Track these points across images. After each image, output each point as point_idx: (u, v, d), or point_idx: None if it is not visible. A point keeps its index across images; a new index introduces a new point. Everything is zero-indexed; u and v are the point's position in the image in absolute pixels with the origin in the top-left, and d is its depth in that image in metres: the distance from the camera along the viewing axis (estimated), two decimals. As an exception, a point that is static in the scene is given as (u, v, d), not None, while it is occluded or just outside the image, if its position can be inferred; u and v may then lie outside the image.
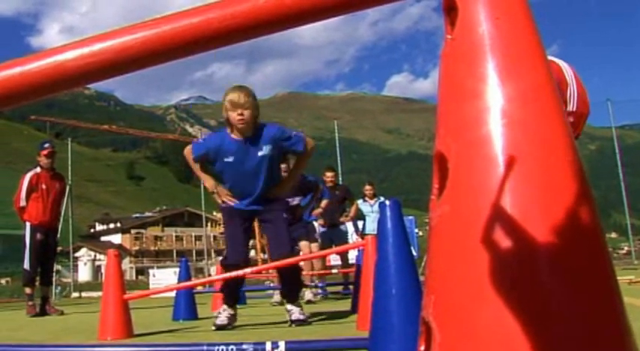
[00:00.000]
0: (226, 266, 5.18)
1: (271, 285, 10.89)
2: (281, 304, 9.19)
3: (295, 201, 8.91)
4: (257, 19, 0.78)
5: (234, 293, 5.43)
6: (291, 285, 5.39)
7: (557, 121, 0.79)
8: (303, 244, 9.29)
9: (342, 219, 11.37)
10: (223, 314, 5.09)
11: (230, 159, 5.05)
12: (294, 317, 5.07)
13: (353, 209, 11.73)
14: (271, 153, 5.08)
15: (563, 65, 4.85)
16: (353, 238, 12.13)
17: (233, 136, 5.07)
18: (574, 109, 4.68)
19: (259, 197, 5.17)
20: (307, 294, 9.19)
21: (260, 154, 5.04)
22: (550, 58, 5.01)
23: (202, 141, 5.57)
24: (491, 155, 0.77)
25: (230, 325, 5.04)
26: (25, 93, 0.82)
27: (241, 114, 4.91)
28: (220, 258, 6.27)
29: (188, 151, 5.34)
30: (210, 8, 0.80)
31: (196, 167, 5.35)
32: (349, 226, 12.17)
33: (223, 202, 5.24)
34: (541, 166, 0.76)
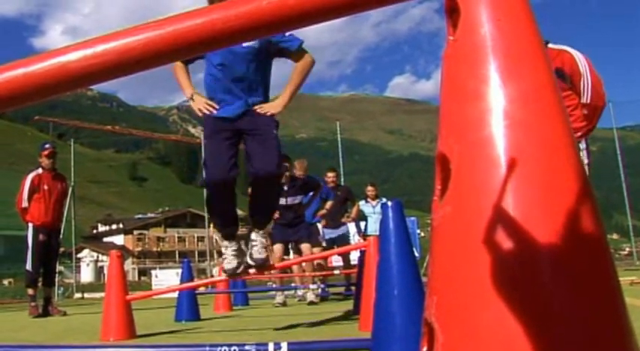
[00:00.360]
0: (208, 186, 4.50)
1: (273, 286, 10.88)
2: (284, 304, 9.12)
3: (297, 200, 8.89)
4: (260, 20, 0.78)
5: (228, 218, 4.66)
6: (265, 214, 4.78)
7: (559, 121, 0.79)
8: (305, 247, 9.12)
9: (343, 220, 11.36)
10: (228, 253, 4.56)
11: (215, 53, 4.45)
12: (255, 255, 4.60)
13: (354, 210, 11.73)
14: (259, 46, 4.46)
15: (577, 55, 4.73)
16: (355, 239, 12.12)
17: None
18: (588, 101, 4.59)
19: (247, 108, 4.50)
20: (309, 295, 9.16)
21: (245, 45, 4.39)
22: (563, 47, 4.85)
23: None
24: (493, 156, 0.77)
25: (241, 265, 4.57)
26: (28, 94, 0.82)
27: None
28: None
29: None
30: (213, 9, 0.80)
31: (180, 71, 4.66)
32: (351, 227, 12.15)
33: (200, 111, 4.52)
34: (543, 167, 0.76)
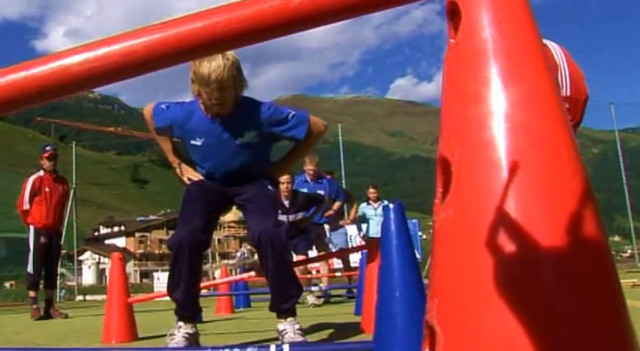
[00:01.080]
0: (171, 248, 3.65)
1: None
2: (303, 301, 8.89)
3: (299, 216, 8.57)
4: (262, 23, 0.78)
5: (188, 296, 3.73)
6: (282, 291, 3.76)
7: (560, 124, 0.80)
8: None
9: (341, 222, 11.31)
10: (178, 335, 3.67)
11: (198, 142, 3.82)
12: (288, 339, 3.62)
13: (353, 212, 11.68)
14: (256, 141, 3.82)
15: (553, 46, 4.44)
16: (356, 241, 12.12)
17: (204, 111, 3.78)
18: (568, 93, 4.30)
19: (239, 178, 3.89)
20: (310, 298, 8.85)
21: (239, 141, 3.77)
22: None
23: (166, 108, 3.96)
24: (494, 159, 0.77)
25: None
26: (30, 97, 0.82)
27: (218, 97, 3.62)
28: (225, 262, 6.11)
29: (148, 113, 4.04)
30: (215, 12, 0.80)
31: (155, 135, 4.09)
32: (352, 229, 12.14)
33: (189, 179, 3.98)
34: (544, 169, 0.76)
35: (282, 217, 8.19)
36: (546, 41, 4.35)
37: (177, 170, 4.08)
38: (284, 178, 8.05)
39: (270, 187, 3.95)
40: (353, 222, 11.95)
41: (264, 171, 4.00)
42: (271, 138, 3.92)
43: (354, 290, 9.59)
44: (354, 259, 11.31)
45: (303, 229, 8.82)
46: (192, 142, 3.83)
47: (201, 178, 3.95)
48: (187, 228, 3.67)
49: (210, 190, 3.90)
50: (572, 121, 4.41)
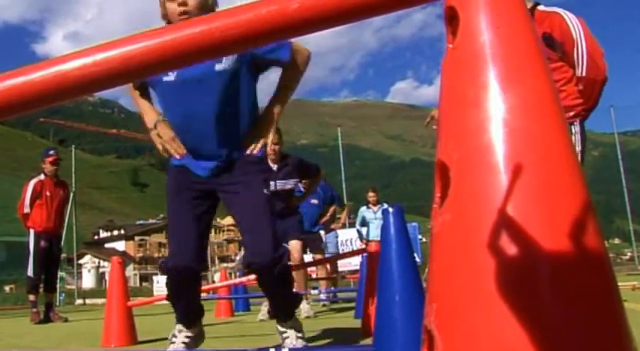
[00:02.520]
0: (168, 272, 3.35)
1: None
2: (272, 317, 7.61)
3: (289, 185, 6.92)
4: (259, 28, 0.79)
5: (190, 312, 3.59)
6: (280, 299, 3.55)
7: (558, 129, 0.80)
8: (294, 244, 7.31)
9: (332, 226, 11.19)
10: (178, 340, 3.55)
11: (170, 77, 3.21)
12: (288, 343, 3.52)
13: (344, 215, 11.59)
14: (236, 68, 3.23)
15: (569, 18, 3.98)
16: (356, 244, 12.13)
17: None
18: (583, 73, 3.88)
19: (226, 163, 3.29)
20: (304, 305, 7.40)
21: (218, 68, 3.20)
22: (554, 9, 3.82)
23: None
24: (492, 163, 0.77)
25: None
26: (29, 102, 0.82)
27: (183, 3, 3.08)
28: (224, 265, 5.65)
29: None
30: (212, 18, 0.80)
31: (136, 94, 3.49)
32: (345, 233, 12.13)
33: (165, 149, 3.26)
34: (542, 174, 0.76)
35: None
36: (563, 12, 4.03)
37: (154, 133, 3.28)
38: (272, 139, 6.67)
39: (265, 191, 3.31)
40: (343, 226, 11.89)
41: (253, 120, 3.36)
42: (253, 65, 3.33)
43: (338, 295, 9.52)
44: (355, 262, 11.32)
45: (293, 208, 7.35)
46: (165, 78, 3.20)
47: (181, 149, 3.23)
48: (180, 254, 3.28)
49: (192, 188, 3.33)
50: (585, 104, 4.02)
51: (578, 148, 4.03)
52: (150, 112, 3.40)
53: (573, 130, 4.06)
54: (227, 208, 3.42)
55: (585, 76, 3.87)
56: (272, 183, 6.44)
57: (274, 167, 6.86)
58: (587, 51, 3.86)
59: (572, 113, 3.99)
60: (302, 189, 7.51)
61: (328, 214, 9.77)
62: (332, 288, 10.34)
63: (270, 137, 3.40)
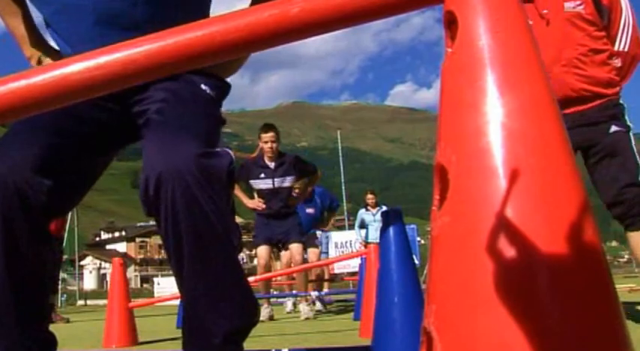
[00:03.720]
0: None
1: (274, 293, 10.76)
2: (271, 319, 7.38)
3: (286, 182, 7.05)
4: (261, 32, 0.79)
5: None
6: (200, 314, 1.93)
7: (557, 132, 0.80)
8: (295, 248, 7.27)
9: (322, 227, 11.14)
10: None
11: None
12: None
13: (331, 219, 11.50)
14: None
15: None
16: (356, 246, 12.14)
17: None
18: (625, 48, 3.64)
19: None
20: (303, 307, 7.56)
21: None
22: None
23: None
24: (491, 167, 0.78)
25: None
26: (30, 106, 0.83)
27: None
28: None
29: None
30: (213, 21, 0.81)
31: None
32: (351, 234, 12.15)
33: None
34: (540, 177, 0.77)
35: (267, 182, 6.98)
36: None
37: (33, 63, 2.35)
38: (267, 137, 6.97)
39: (204, 86, 1.96)
40: (330, 229, 11.86)
41: None
42: None
43: (327, 297, 9.48)
44: (354, 264, 11.32)
45: (292, 207, 7.30)
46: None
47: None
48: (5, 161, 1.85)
49: (75, 115, 1.98)
50: (618, 78, 3.75)
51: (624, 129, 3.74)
52: (24, 40, 2.38)
53: (626, 105, 3.73)
54: (139, 129, 1.99)
55: (628, 52, 3.64)
56: (270, 180, 6.92)
57: (272, 165, 7.02)
58: (633, 24, 3.64)
59: (617, 89, 3.76)
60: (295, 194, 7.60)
61: (329, 224, 9.69)
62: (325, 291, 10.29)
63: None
